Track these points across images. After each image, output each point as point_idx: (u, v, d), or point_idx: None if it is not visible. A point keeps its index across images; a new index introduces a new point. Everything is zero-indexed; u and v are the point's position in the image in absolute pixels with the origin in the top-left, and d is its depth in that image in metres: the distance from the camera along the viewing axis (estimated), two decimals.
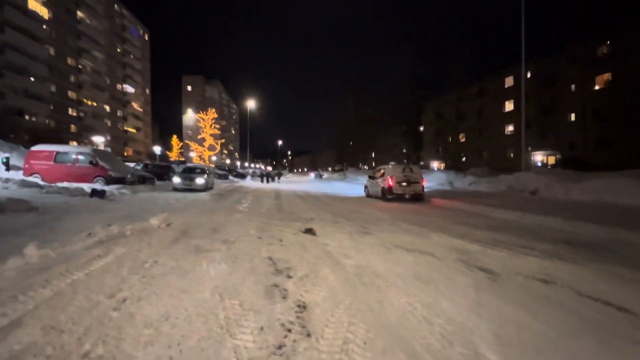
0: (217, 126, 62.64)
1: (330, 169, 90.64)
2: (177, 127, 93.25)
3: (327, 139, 74.96)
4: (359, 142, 55.79)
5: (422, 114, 42.81)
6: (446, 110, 36.56)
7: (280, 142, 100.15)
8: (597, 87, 29.82)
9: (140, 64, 73.50)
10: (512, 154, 37.01)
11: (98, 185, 12.74)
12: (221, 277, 3.66)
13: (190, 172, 17.57)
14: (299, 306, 2.95)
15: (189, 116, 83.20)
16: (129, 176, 14.91)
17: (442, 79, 32.85)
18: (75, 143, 46.63)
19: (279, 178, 43.00)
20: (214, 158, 67.42)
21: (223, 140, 75.24)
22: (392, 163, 19.48)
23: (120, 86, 67.08)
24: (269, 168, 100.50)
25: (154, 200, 11.21)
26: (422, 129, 46.99)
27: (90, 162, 14.10)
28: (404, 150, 44.00)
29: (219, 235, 5.92)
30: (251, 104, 43.61)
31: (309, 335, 2.45)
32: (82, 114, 54.70)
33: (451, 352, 2.29)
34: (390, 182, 13.93)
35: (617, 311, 2.98)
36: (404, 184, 13.88)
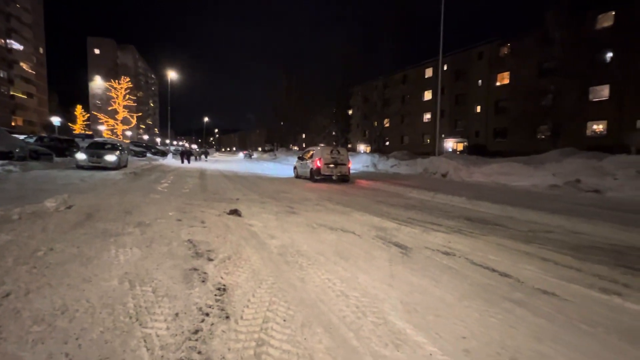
0: (133, 97, 56.39)
1: (260, 148, 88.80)
2: (82, 96, 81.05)
3: (257, 118, 72.99)
4: (290, 123, 55.45)
5: (351, 98, 44.07)
6: (373, 95, 38.19)
7: (206, 119, 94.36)
8: (498, 84, 34.00)
9: (30, 17, 61.33)
10: (428, 140, 40.57)
11: None
12: (132, 263, 3.37)
13: (98, 148, 15.59)
14: (218, 289, 2.88)
15: (98, 84, 72.92)
16: (17, 150, 12.64)
17: (372, 63, 34.04)
18: None
19: (205, 157, 40.75)
20: (129, 133, 60.90)
21: (140, 114, 68.24)
22: (321, 145, 19.85)
23: (2, 41, 55.38)
24: (194, 146, 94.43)
25: (53, 179, 9.74)
26: (350, 112, 48.50)
27: None
28: (334, 133, 45.05)
29: (132, 218, 5.41)
30: (173, 75, 39.85)
31: (227, 317, 2.41)
32: None
33: (364, 321, 2.46)
34: (319, 164, 14.22)
35: (500, 276, 3.53)
36: (332, 165, 14.29)
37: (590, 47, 22.95)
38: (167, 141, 56.10)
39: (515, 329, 2.43)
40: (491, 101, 34.49)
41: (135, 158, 26.07)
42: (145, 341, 2.05)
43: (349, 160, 15.05)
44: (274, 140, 65.05)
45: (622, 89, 24.47)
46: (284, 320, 2.41)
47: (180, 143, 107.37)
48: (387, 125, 44.48)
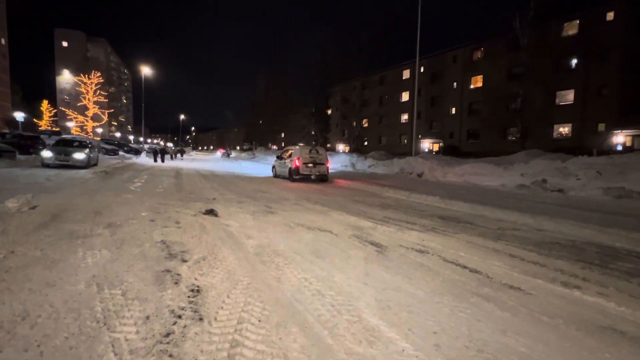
0: (104, 93, 54.15)
1: (238, 147, 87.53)
2: (48, 91, 76.97)
3: (235, 117, 71.83)
4: (269, 122, 55.00)
5: (330, 98, 44.30)
6: (352, 95, 38.54)
7: (182, 117, 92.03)
8: (471, 86, 35.13)
9: None
10: (405, 140, 41.35)
11: None
12: (101, 266, 3.25)
13: (66, 146, 14.89)
14: (192, 290, 2.83)
15: (66, 78, 69.48)
16: None
17: (351, 64, 34.22)
18: None
19: (181, 155, 39.74)
20: (99, 130, 58.49)
21: (112, 110, 65.57)
22: (300, 144, 19.85)
23: None
24: (170, 144, 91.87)
25: (15, 178, 9.23)
26: (330, 112, 48.72)
27: None
28: (313, 132, 45.11)
29: (101, 219, 5.22)
30: (147, 71, 38.59)
31: (201, 319, 2.37)
32: None
33: (339, 319, 2.50)
34: (297, 163, 14.20)
35: (470, 272, 3.66)
36: (310, 165, 14.31)
37: (555, 54, 24.14)
38: (141, 139, 54.26)
39: (482, 322, 2.54)
40: (465, 103, 35.60)
41: (106, 156, 25.08)
42: (113, 346, 1.99)
43: (327, 160, 15.12)
44: (253, 139, 64.30)
45: (586, 94, 25.93)
46: (259, 321, 2.41)
47: (155, 141, 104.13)
48: (366, 125, 45.04)
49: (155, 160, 26.60)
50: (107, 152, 28.00)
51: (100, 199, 7.07)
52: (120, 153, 30.81)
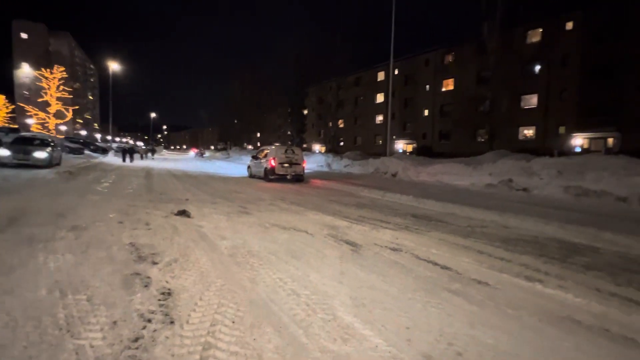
0: (68, 89, 51.39)
1: (212, 147, 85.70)
2: (6, 86, 72.01)
3: (210, 115, 70.32)
4: (245, 121, 54.23)
5: (306, 98, 44.28)
6: (327, 96, 38.74)
7: (153, 115, 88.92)
8: (443, 89, 36.24)
9: None
10: (380, 141, 42.03)
11: None
12: (65, 271, 3.09)
13: (26, 144, 14.02)
14: (163, 294, 2.75)
15: (25, 72, 65.29)
16: None
17: (327, 64, 34.36)
18: None
19: (152, 155, 38.40)
20: (63, 128, 55.40)
21: (76, 107, 62.38)
22: (276, 144, 19.73)
23: None
24: (139, 143, 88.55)
25: None
26: (306, 112, 48.69)
27: None
28: (289, 132, 44.94)
29: (65, 222, 4.95)
30: (115, 66, 36.97)
31: (172, 322, 2.31)
32: None
33: (314, 318, 2.51)
34: (273, 163, 14.10)
35: (441, 269, 3.78)
36: (286, 165, 14.24)
37: (520, 60, 25.35)
38: (109, 137, 51.94)
39: (452, 316, 2.63)
40: (437, 105, 36.67)
41: (70, 155, 23.76)
42: (77, 353, 1.90)
43: (303, 159, 15.10)
44: (228, 138, 63.16)
45: (548, 99, 27.43)
46: (233, 322, 2.37)
47: (124, 140, 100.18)
48: (342, 126, 45.44)
49: (124, 160, 25.48)
50: (72, 151, 26.52)
51: (64, 201, 6.71)
52: (86, 152, 29.30)
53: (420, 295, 3.01)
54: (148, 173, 15.73)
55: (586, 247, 4.89)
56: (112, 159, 28.04)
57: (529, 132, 29.33)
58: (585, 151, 24.23)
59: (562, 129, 26.57)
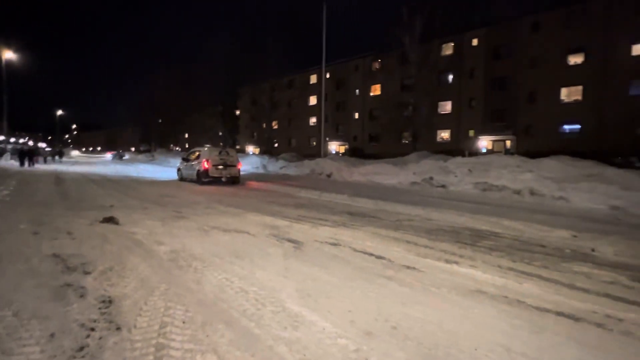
0: None
1: (133, 149, 78.47)
2: None
3: (130, 115, 64.25)
4: (171, 121, 50.78)
5: (239, 98, 43.23)
6: (261, 97, 38.37)
7: (60, 112, 78.26)
8: (372, 94, 38.50)
9: None
10: (314, 143, 42.96)
11: None
12: None
13: None
14: (103, 302, 2.62)
15: None
16: None
17: (258, 65, 34.00)
18: None
19: (60, 157, 33.88)
20: None
21: None
22: (208, 146, 18.98)
23: None
24: (42, 145, 77.22)
25: None
26: (238, 112, 47.47)
27: None
28: (220, 133, 43.36)
29: None
30: (10, 55, 31.69)
31: (118, 328, 2.25)
32: None
33: (264, 311, 2.64)
34: (207, 165, 13.60)
35: (376, 259, 4.18)
36: (221, 167, 13.85)
37: (437, 70, 28.17)
38: (2, 138, 44.28)
39: (387, 298, 2.98)
40: (366, 109, 38.81)
41: None
42: None
43: (239, 161, 14.84)
44: (151, 139, 58.48)
45: (460, 105, 30.99)
46: (184, 323, 2.39)
47: (22, 140, 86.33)
48: (276, 127, 45.32)
49: (22, 164, 21.92)
50: None
51: None
52: None
53: (359, 283, 3.33)
54: (58, 178, 13.97)
55: (491, 233, 5.79)
56: (8, 162, 24.11)
57: (445, 134, 32.75)
58: (489, 152, 27.89)
59: (471, 132, 30.26)
